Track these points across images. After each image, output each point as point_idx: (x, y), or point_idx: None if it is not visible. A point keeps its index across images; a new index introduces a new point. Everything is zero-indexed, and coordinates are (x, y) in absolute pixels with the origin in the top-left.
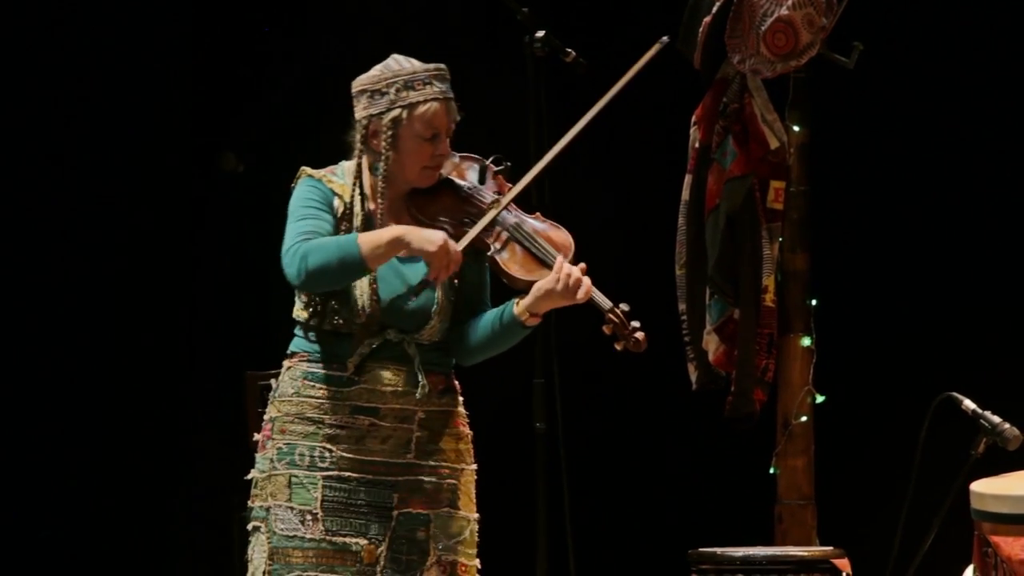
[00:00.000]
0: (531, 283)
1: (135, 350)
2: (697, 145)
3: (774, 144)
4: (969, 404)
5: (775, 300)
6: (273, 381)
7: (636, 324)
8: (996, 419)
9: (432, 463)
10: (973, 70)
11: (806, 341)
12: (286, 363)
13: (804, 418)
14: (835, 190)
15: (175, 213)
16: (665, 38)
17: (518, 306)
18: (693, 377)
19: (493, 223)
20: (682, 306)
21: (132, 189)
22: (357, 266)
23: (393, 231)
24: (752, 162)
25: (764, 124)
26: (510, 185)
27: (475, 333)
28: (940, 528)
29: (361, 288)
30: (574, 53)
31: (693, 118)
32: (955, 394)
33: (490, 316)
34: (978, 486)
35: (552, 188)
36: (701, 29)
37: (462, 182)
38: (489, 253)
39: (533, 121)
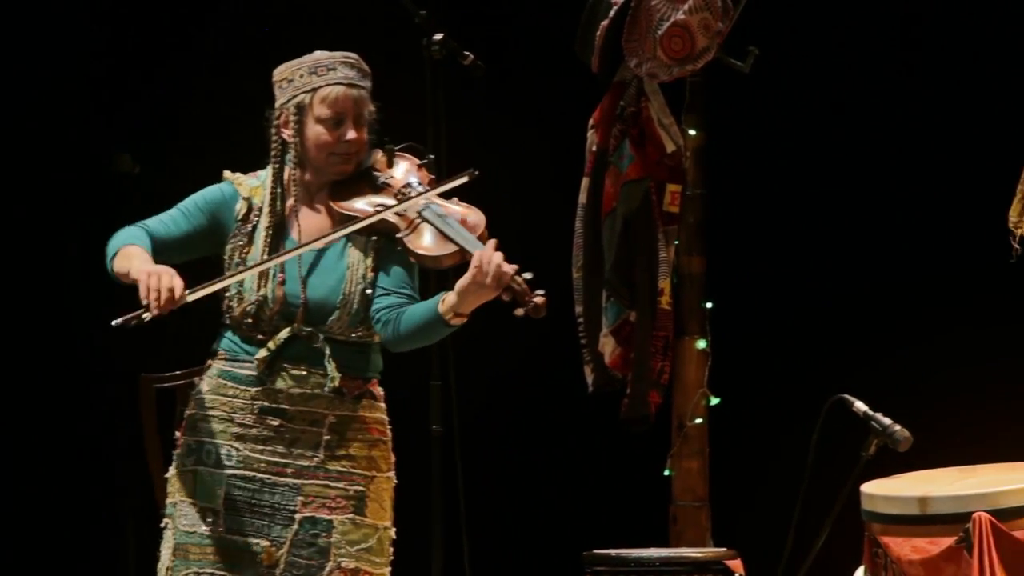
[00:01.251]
0: (442, 258)
1: (35, 357)
2: (594, 148)
3: (670, 148)
4: (860, 406)
5: (671, 303)
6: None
7: (540, 292)
8: (887, 421)
9: (340, 468)
10: (866, 75)
11: (701, 344)
12: (208, 361)
13: (699, 420)
14: (731, 193)
15: (68, 214)
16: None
17: (443, 304)
18: (589, 379)
19: (404, 207)
20: (579, 308)
21: (24, 191)
22: (108, 268)
23: (135, 263)
24: (649, 165)
25: (661, 128)
26: (432, 176)
27: (402, 324)
28: (832, 529)
29: (266, 283)
30: (472, 56)
31: (590, 121)
32: (847, 396)
33: (418, 310)
34: (869, 487)
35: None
36: (598, 33)
37: (380, 173)
38: (398, 235)
39: (431, 123)
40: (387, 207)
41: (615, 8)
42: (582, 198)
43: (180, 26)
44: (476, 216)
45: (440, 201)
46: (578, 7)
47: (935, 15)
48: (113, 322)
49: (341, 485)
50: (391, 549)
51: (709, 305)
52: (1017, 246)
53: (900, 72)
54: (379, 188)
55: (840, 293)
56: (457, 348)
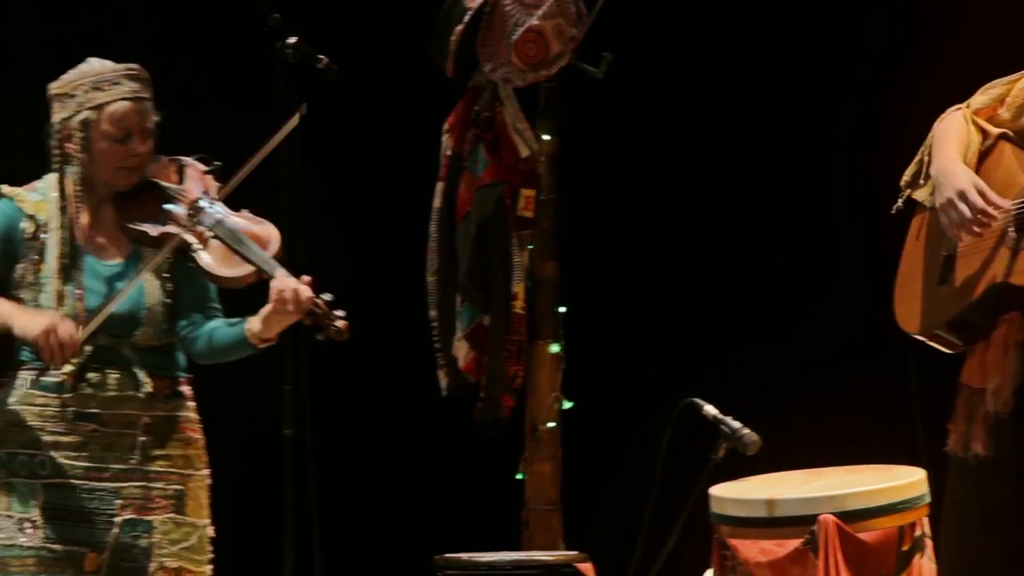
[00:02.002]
0: (232, 279)
1: None
2: (449, 153)
3: (525, 152)
4: (710, 410)
5: (525, 307)
6: None
7: (340, 313)
8: (736, 424)
9: (158, 468)
10: (716, 81)
11: (554, 348)
12: (10, 372)
13: (551, 424)
14: (584, 198)
15: None
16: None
17: (249, 331)
18: (443, 383)
19: (195, 222)
20: (433, 312)
21: None
22: None
23: (3, 311)
24: (503, 170)
25: (515, 132)
26: (219, 185)
27: (210, 344)
28: (681, 532)
29: (69, 297)
30: (326, 59)
31: (445, 126)
32: (697, 400)
33: (225, 333)
34: (717, 490)
35: (303, 196)
36: (453, 38)
37: (167, 184)
38: (191, 252)
39: (284, 127)
40: (177, 233)
41: (470, 13)
42: (436, 202)
43: None
44: (267, 230)
45: (230, 213)
46: (433, 11)
47: (787, 22)
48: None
49: (159, 485)
50: (210, 547)
51: (563, 309)
52: (900, 204)
53: (749, 78)
54: (168, 199)
55: (691, 297)
56: (310, 352)
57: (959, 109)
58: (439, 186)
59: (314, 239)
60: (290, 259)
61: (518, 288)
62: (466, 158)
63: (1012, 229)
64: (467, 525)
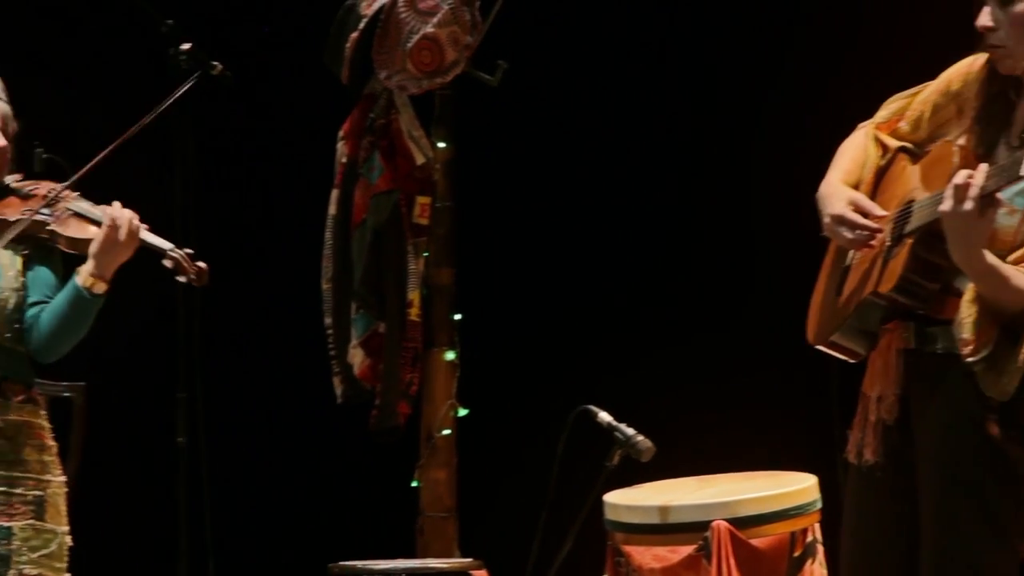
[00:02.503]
0: (88, 242)
1: None
2: (344, 160)
3: (420, 160)
4: (604, 416)
5: (420, 314)
6: None
7: (201, 264)
8: (630, 431)
9: (16, 474)
10: (614, 89)
11: (450, 355)
12: None
13: (447, 431)
14: (480, 206)
15: None
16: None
17: (80, 276)
18: (339, 391)
19: (50, 204)
20: (328, 320)
21: None
22: None
23: None
24: (399, 177)
25: (410, 140)
26: (53, 182)
27: (45, 318)
28: (576, 538)
29: None
30: (221, 66)
31: (340, 133)
32: (591, 407)
33: (58, 297)
34: (611, 497)
35: (198, 202)
36: (348, 44)
37: (20, 183)
38: (48, 227)
39: (179, 133)
40: (38, 209)
41: (365, 20)
42: (332, 209)
43: None
44: (117, 208)
45: (81, 198)
46: (328, 18)
47: (679, 31)
48: None
49: (19, 491)
50: (67, 555)
51: (458, 317)
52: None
53: (646, 84)
54: (27, 197)
55: (586, 304)
56: (204, 359)
57: (864, 126)
58: (334, 193)
59: (208, 246)
60: None
61: (413, 295)
62: (361, 165)
63: (888, 239)
64: (362, 533)
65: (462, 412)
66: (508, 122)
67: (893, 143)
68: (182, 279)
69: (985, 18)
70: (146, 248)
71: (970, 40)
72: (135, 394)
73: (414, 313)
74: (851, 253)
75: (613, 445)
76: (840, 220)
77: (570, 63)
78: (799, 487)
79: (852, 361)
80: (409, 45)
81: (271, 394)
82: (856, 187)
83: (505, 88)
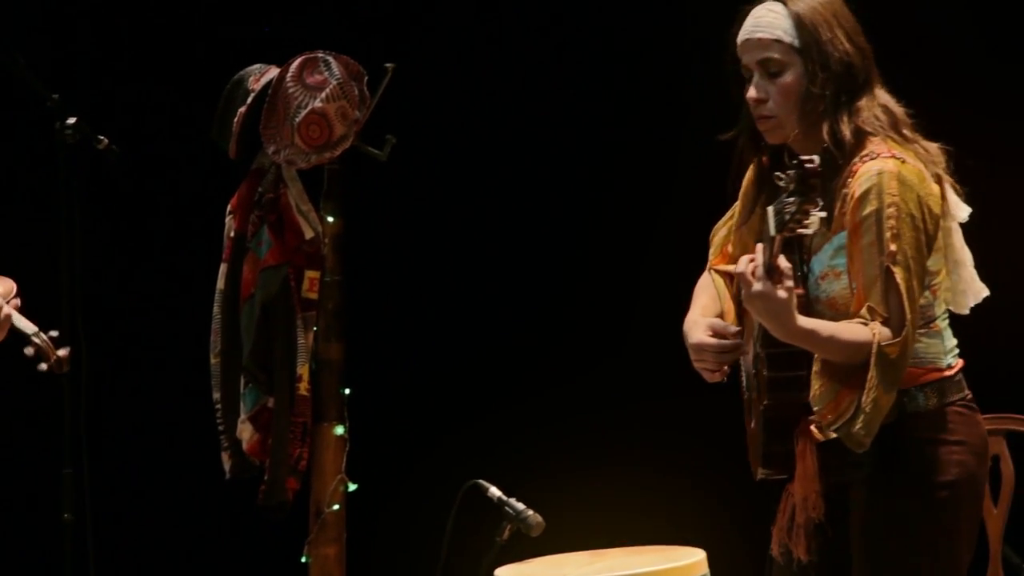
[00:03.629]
0: None
1: None
2: (232, 234)
3: (309, 234)
4: (495, 491)
5: (309, 389)
6: None
7: (62, 352)
8: (520, 506)
9: None
10: (498, 166)
11: (339, 430)
12: None
13: (336, 506)
14: (369, 280)
15: None
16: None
17: None
18: (227, 466)
19: None
20: (216, 394)
21: None
22: None
23: None
24: (287, 252)
25: (299, 214)
26: None
27: None
28: None
29: None
30: (107, 140)
31: (228, 207)
32: (481, 482)
33: None
34: (503, 572)
35: (84, 280)
36: (236, 119)
37: None
38: None
39: (64, 206)
40: None
41: (253, 95)
42: (220, 284)
43: None
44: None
45: None
46: (216, 92)
47: (568, 96)
48: None
49: None
50: None
51: (347, 391)
52: None
53: (527, 164)
54: None
55: (475, 378)
56: (90, 433)
57: (707, 269)
58: (223, 268)
59: (95, 319)
60: (70, 331)
61: (302, 370)
62: (250, 240)
63: (755, 350)
64: None
65: (352, 487)
66: (396, 196)
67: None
68: (43, 367)
69: (755, 91)
70: (12, 330)
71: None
72: (20, 470)
73: (303, 388)
74: (744, 382)
75: (503, 520)
76: (700, 348)
77: (457, 137)
78: (688, 562)
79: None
80: (297, 120)
81: (159, 469)
82: (721, 317)
83: (393, 162)
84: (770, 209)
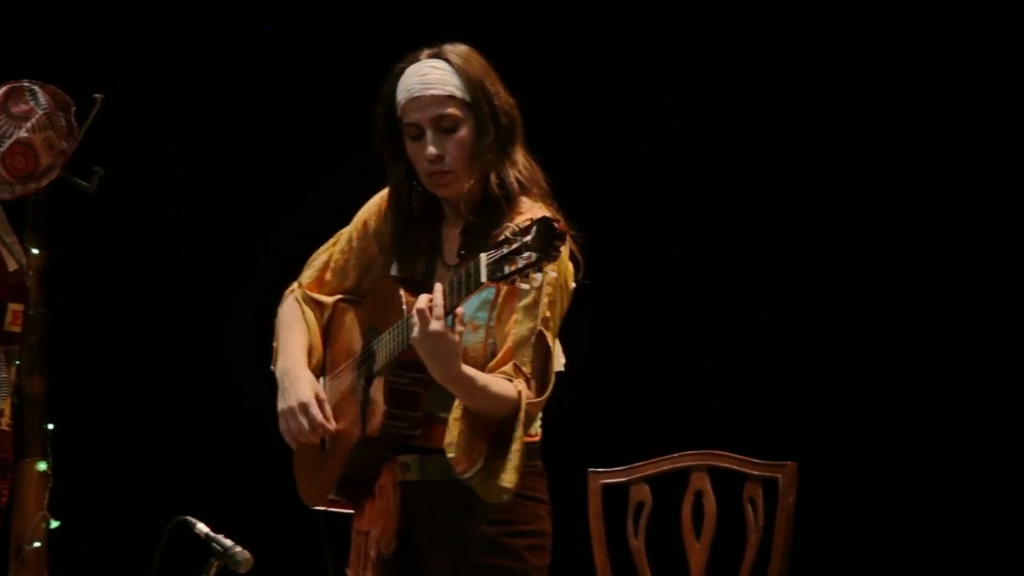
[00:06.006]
0: None
1: None
2: None
3: (12, 266)
4: (202, 528)
5: (11, 424)
6: None
7: None
8: (228, 542)
9: None
10: (212, 197)
11: (42, 466)
12: None
13: (38, 544)
14: (73, 313)
15: None
16: None
17: None
18: None
19: None
20: None
21: None
22: None
23: None
24: None
25: (3, 246)
26: None
27: None
28: None
29: None
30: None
31: None
32: (189, 518)
33: None
34: None
35: None
36: None
37: None
38: None
39: None
40: None
41: None
42: None
43: None
44: None
45: None
46: None
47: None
48: None
49: None
50: None
51: (51, 427)
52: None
53: (241, 194)
54: None
55: (178, 412)
56: None
57: (292, 290)
58: None
59: None
60: None
61: (4, 404)
62: None
63: (359, 385)
64: None
65: (54, 524)
66: (103, 228)
67: (328, 299)
68: None
69: (433, 148)
70: None
71: None
72: None
73: (4, 423)
74: None
75: (211, 556)
76: (304, 411)
77: (167, 169)
78: None
79: (351, 512)
80: (1, 150)
81: None
82: (310, 353)
83: (101, 193)
84: (483, 256)
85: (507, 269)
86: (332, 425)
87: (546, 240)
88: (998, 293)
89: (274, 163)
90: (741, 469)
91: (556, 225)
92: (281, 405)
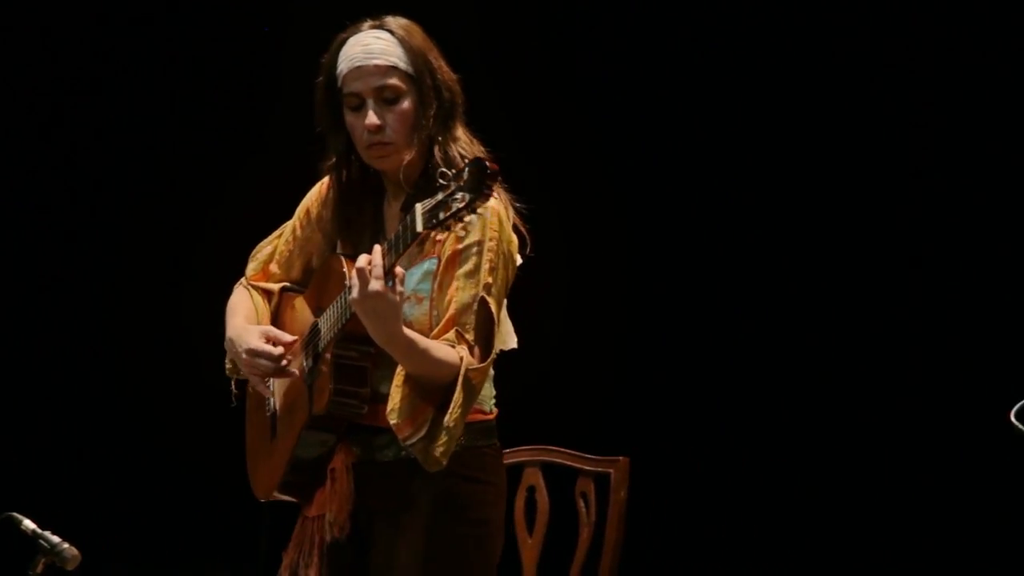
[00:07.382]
0: None
1: None
2: None
3: None
4: (29, 524)
5: None
6: None
7: None
8: (55, 539)
9: None
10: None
11: None
12: None
13: None
14: None
15: None
16: None
17: None
18: None
19: None
20: None
21: None
22: None
23: None
24: None
25: None
26: None
27: None
28: None
29: None
30: None
31: None
32: (15, 514)
33: None
34: None
35: None
36: None
37: None
38: None
39: None
40: None
41: None
42: None
43: None
44: None
45: None
46: None
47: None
48: None
49: None
50: None
51: None
52: (236, 391)
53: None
54: None
55: (18, 411)
56: None
57: (241, 283)
58: None
59: None
60: None
61: None
62: None
63: (306, 365)
64: None
65: None
66: None
67: (275, 287)
68: None
69: (374, 118)
70: None
71: None
72: None
73: None
74: (271, 399)
75: (37, 553)
76: (254, 353)
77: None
78: None
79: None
80: None
81: None
82: None
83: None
84: (418, 205)
85: (442, 215)
86: (290, 337)
87: (478, 180)
88: (824, 289)
89: (212, 154)
90: (574, 464)
91: (488, 164)
92: (242, 353)
